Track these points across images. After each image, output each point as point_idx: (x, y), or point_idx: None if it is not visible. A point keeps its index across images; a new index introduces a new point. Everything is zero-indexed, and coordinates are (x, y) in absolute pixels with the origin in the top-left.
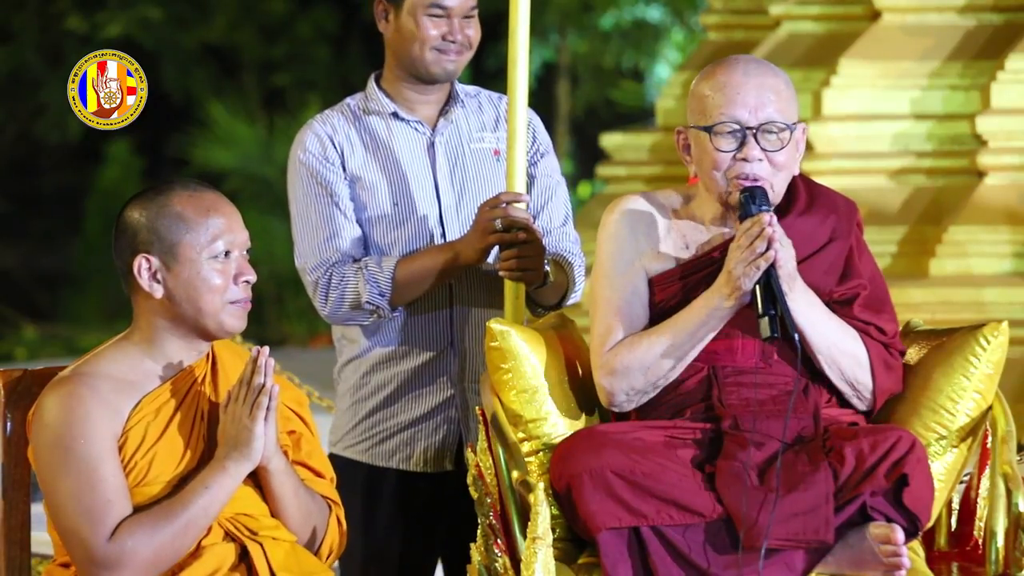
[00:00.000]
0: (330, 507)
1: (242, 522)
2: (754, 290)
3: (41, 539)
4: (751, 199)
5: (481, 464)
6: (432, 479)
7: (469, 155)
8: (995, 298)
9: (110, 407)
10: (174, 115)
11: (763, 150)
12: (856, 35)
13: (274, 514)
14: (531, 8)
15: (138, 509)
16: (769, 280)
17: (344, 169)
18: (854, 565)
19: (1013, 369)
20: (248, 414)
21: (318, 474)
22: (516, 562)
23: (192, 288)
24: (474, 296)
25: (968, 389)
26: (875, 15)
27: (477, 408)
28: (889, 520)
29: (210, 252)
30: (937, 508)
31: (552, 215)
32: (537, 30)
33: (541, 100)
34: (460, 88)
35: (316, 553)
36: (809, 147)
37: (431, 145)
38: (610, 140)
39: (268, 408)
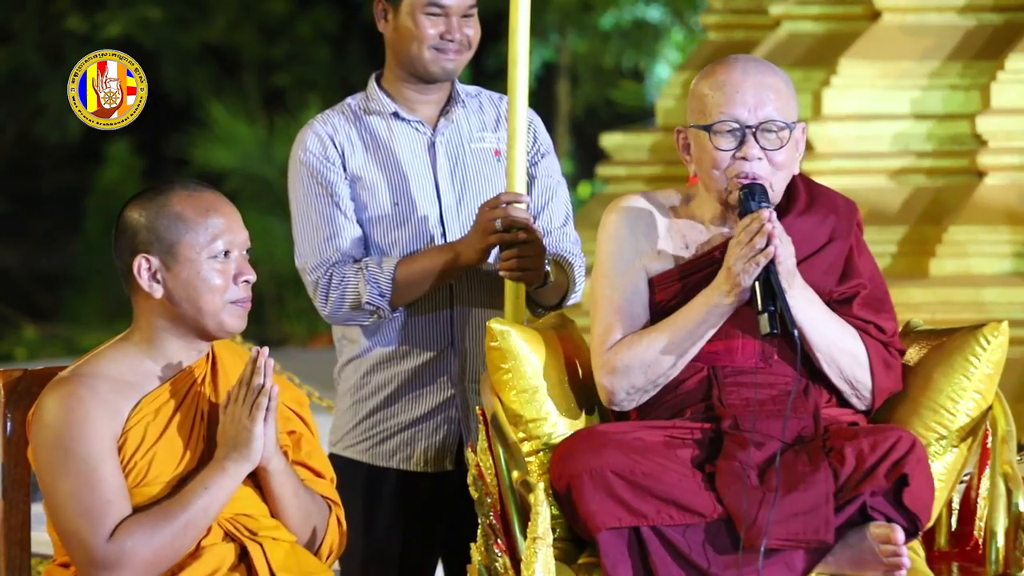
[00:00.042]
0: (330, 507)
1: (242, 522)
2: (753, 287)
3: (41, 539)
4: (750, 196)
5: (481, 464)
6: (432, 479)
7: (470, 155)
8: (995, 298)
9: (110, 407)
10: (174, 115)
11: (762, 149)
12: (856, 35)
13: (274, 514)
14: (531, 8)
15: (137, 509)
16: (768, 276)
17: (345, 169)
18: (854, 565)
19: (1013, 369)
20: (248, 415)
21: (318, 474)
22: (516, 562)
23: (192, 288)
24: (474, 296)
25: (968, 389)
26: (875, 15)
27: (477, 408)
28: (889, 520)
29: (209, 252)
30: (937, 508)
31: (552, 215)
32: (537, 30)
33: (541, 100)
34: (461, 88)
35: (316, 553)
36: (809, 147)
37: (432, 145)
38: (610, 140)
39: (268, 409)
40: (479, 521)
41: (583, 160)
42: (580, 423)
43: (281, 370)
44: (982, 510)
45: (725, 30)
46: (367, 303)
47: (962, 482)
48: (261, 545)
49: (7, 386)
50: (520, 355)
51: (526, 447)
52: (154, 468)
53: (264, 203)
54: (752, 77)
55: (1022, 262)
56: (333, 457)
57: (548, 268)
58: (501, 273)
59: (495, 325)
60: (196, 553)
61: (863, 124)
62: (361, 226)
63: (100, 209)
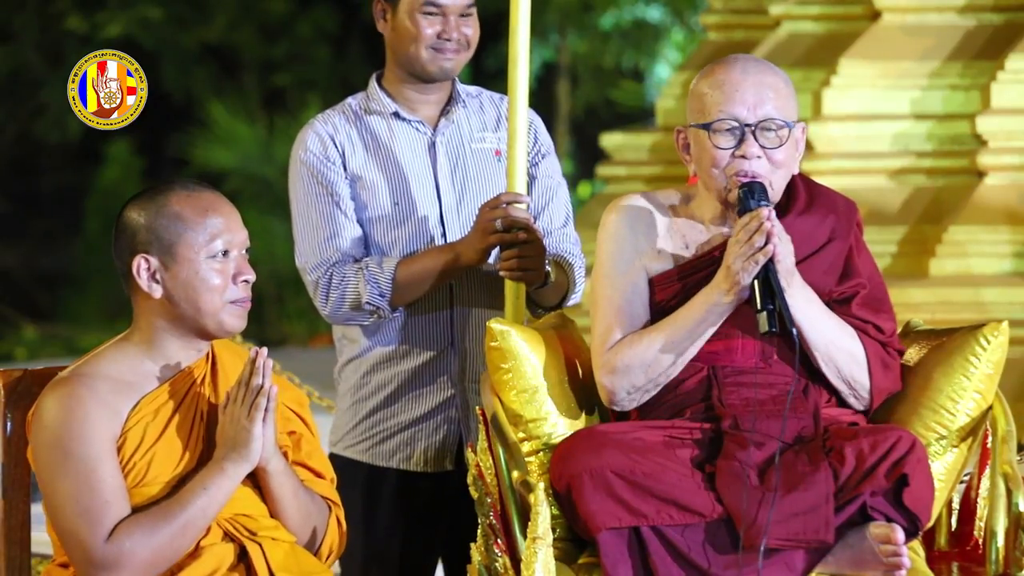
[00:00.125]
0: (330, 507)
1: (241, 522)
2: (752, 285)
3: (41, 539)
4: (750, 194)
5: (481, 464)
6: (432, 479)
7: (470, 155)
8: (995, 298)
9: (109, 408)
10: (174, 115)
11: (762, 147)
12: (856, 35)
13: (273, 515)
14: (531, 8)
15: (137, 510)
16: (767, 275)
17: (345, 169)
18: (854, 565)
19: (1013, 369)
20: (246, 415)
21: (318, 474)
22: (516, 562)
23: (191, 288)
24: (475, 296)
25: (968, 389)
26: (875, 15)
27: (477, 408)
28: (889, 520)
29: (208, 252)
30: (937, 508)
31: (553, 216)
32: (537, 30)
33: (541, 100)
34: (462, 88)
35: (316, 553)
36: (809, 147)
37: (432, 145)
38: (610, 140)
39: (266, 409)
40: (479, 521)
41: (583, 160)
42: (580, 423)
43: (281, 370)
44: (982, 510)
45: (725, 30)
46: (367, 303)
47: (962, 482)
48: (260, 545)
49: (7, 386)
50: (520, 355)
51: (526, 447)
52: (153, 468)
53: (264, 203)
54: (751, 76)
55: (1022, 262)
56: (333, 457)
57: (548, 268)
58: (501, 273)
59: (495, 325)
60: (195, 553)
61: (863, 124)
62: (361, 226)
63: (100, 209)
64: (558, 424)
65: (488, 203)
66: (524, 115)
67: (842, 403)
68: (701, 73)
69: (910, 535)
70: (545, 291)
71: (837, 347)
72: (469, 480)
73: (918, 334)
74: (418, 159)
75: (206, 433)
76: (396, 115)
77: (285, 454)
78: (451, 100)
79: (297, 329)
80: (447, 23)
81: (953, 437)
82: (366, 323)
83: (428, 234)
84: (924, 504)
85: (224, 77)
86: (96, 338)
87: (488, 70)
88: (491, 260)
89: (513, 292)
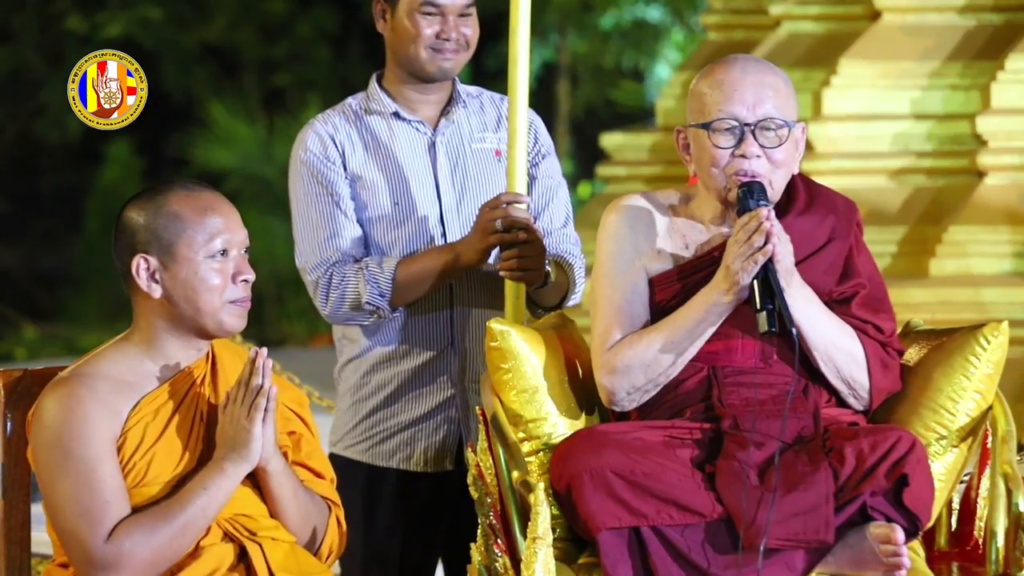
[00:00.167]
0: (330, 508)
1: (241, 522)
2: (752, 285)
3: (41, 539)
4: (749, 194)
5: (481, 464)
6: (432, 479)
7: (470, 155)
8: (995, 298)
9: (109, 408)
10: (174, 115)
11: (761, 147)
12: (856, 35)
13: (273, 515)
14: (531, 8)
15: (137, 510)
16: (767, 274)
17: (345, 168)
18: (854, 565)
19: (1013, 369)
20: (246, 415)
21: (318, 475)
22: (516, 562)
23: (190, 288)
24: (475, 296)
25: (968, 389)
26: (875, 15)
27: (477, 408)
28: (889, 520)
29: (208, 251)
30: (937, 508)
31: (553, 216)
32: (537, 30)
33: (541, 100)
34: (462, 88)
35: (316, 554)
36: (809, 147)
37: (432, 145)
38: (610, 140)
39: (266, 409)
40: (479, 521)
41: (583, 160)
42: (580, 423)
43: (281, 370)
44: (982, 510)
45: (725, 30)
46: (367, 303)
47: (962, 482)
48: (260, 545)
49: (7, 386)
50: (520, 355)
51: (526, 447)
52: (153, 468)
53: (264, 203)
54: (751, 76)
55: (1022, 262)
56: (333, 457)
57: (548, 268)
58: (501, 273)
59: (495, 325)
60: (195, 553)
61: (863, 124)
62: (361, 226)
63: (100, 209)
64: (558, 424)
65: (488, 203)
66: (524, 115)
67: (842, 403)
68: (701, 73)
69: (910, 535)
70: (545, 291)
71: (837, 347)
72: (469, 480)
73: (918, 334)
74: (418, 159)
75: (206, 433)
76: (396, 115)
77: (285, 454)
78: (451, 100)
79: (297, 329)
80: (446, 23)
81: (953, 437)
82: (366, 323)
83: (428, 234)
84: (924, 504)
85: (224, 77)
86: (96, 338)
87: (488, 70)
88: (491, 260)
89: (513, 292)
